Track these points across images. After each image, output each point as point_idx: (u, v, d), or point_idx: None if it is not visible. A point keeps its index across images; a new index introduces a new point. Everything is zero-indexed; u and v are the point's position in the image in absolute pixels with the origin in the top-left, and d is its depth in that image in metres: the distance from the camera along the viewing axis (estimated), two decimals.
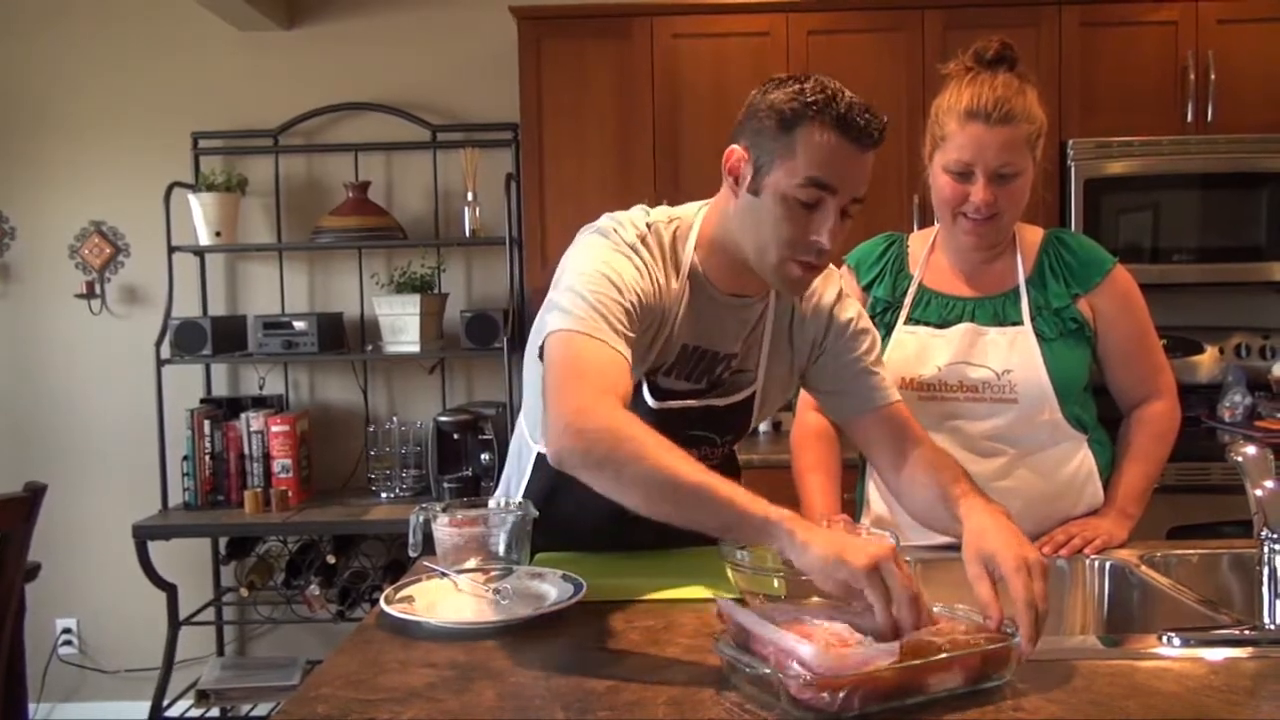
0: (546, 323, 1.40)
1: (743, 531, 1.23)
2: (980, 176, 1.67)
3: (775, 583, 1.30)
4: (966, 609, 1.20)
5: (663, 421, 1.54)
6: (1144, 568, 1.62)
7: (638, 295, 1.42)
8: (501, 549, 1.54)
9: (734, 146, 1.44)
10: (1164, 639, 1.27)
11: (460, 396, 3.74)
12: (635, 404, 1.52)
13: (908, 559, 1.66)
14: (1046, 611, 1.20)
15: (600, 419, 1.27)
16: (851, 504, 1.95)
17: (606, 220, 1.50)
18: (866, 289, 1.86)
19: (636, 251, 1.46)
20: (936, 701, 1.08)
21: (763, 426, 3.41)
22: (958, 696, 1.09)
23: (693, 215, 1.54)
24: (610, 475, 1.26)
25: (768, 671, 1.06)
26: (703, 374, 1.57)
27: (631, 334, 1.40)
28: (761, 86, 1.43)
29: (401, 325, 3.46)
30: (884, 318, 1.79)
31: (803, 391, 1.85)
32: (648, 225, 1.50)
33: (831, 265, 1.62)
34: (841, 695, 1.02)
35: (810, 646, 1.04)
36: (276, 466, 3.43)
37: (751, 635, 1.12)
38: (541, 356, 1.41)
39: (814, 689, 1.02)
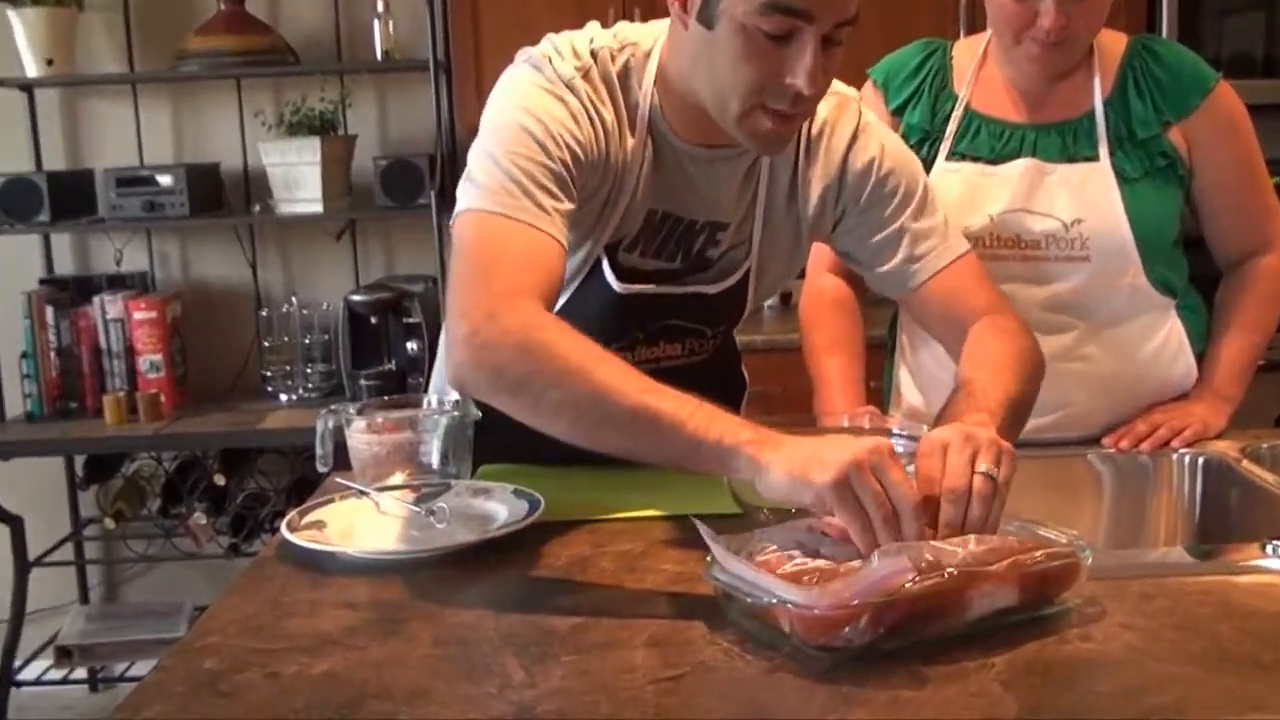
0: (459, 197, 1.41)
1: (698, 463, 1.23)
2: None
3: None
4: (1022, 523, 1.23)
5: (634, 311, 1.56)
6: (1246, 463, 1.66)
7: (573, 150, 1.41)
8: (435, 460, 1.56)
9: None
10: (1269, 549, 1.30)
11: (378, 269, 3.73)
12: (594, 290, 1.54)
13: None
14: (966, 492, 1.17)
15: (512, 328, 1.27)
16: (879, 394, 1.96)
17: (544, 45, 1.48)
18: (897, 114, 1.84)
19: (573, 90, 1.44)
20: (983, 630, 1.10)
21: (768, 300, 3.41)
22: (1010, 625, 1.11)
23: (650, 42, 1.51)
24: (527, 402, 1.27)
25: (774, 600, 1.08)
26: (677, 248, 1.57)
27: (567, 203, 1.39)
28: None
29: (297, 178, 3.42)
30: (920, 151, 1.78)
31: (814, 250, 1.85)
32: (592, 54, 1.48)
33: (848, 91, 1.61)
34: (863, 625, 1.04)
35: (795, 590, 1.06)
36: (143, 364, 3.42)
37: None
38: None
39: (828, 623, 1.05)
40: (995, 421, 1.32)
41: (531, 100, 1.42)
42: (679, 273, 1.58)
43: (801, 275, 1.90)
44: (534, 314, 1.29)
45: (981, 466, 1.19)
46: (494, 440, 1.61)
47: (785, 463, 1.17)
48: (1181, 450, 1.72)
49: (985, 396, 1.38)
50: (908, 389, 1.92)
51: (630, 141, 1.49)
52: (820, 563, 1.14)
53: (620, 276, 1.54)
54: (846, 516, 1.13)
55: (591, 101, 1.45)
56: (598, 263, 1.53)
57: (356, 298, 3.40)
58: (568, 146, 1.40)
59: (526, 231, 1.35)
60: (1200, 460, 1.71)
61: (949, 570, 1.08)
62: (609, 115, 1.47)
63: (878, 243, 1.58)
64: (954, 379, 1.49)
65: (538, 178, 1.37)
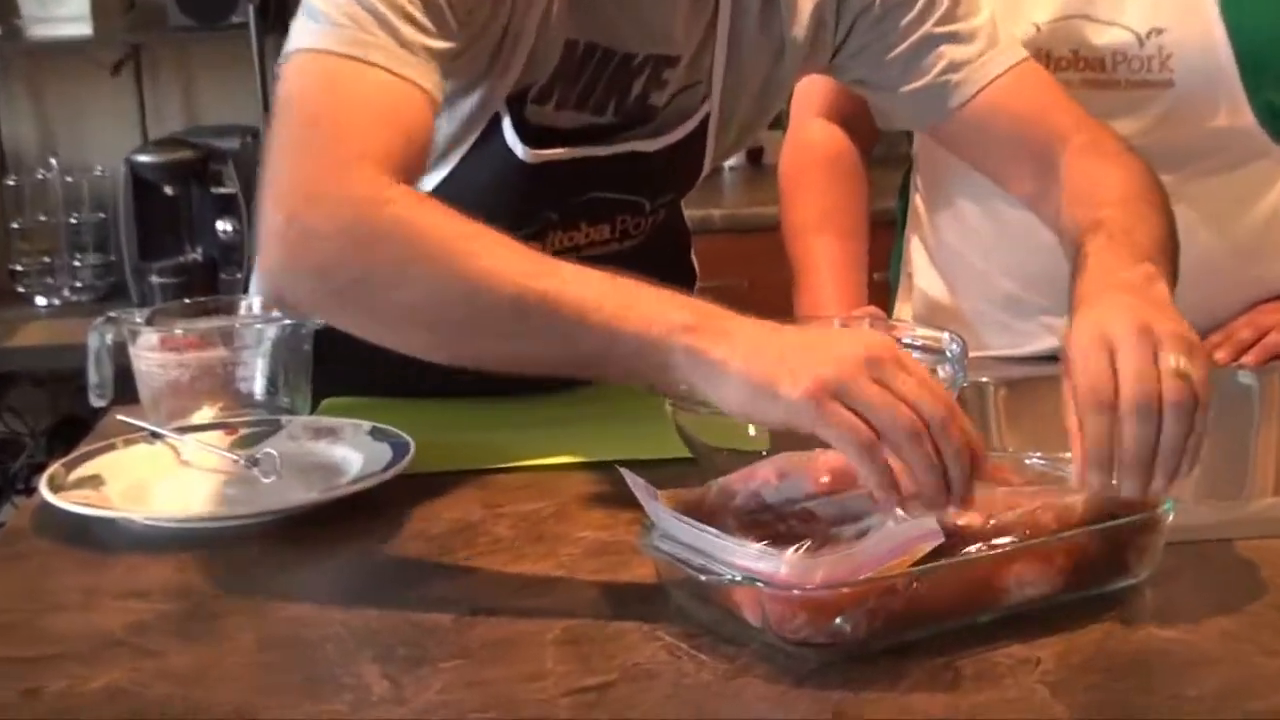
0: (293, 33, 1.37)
1: (614, 366, 1.20)
2: None
3: (751, 429, 1.31)
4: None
5: (546, 184, 1.56)
6: None
7: None
8: (259, 388, 1.57)
9: None
10: None
11: (175, 119, 3.73)
12: (490, 159, 1.54)
13: (984, 379, 1.70)
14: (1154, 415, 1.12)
15: (342, 209, 1.23)
16: (885, 287, 1.97)
17: None
18: None
19: None
20: (1019, 617, 1.11)
21: (730, 159, 3.42)
22: (1061, 605, 1.13)
23: None
24: (363, 311, 1.25)
25: (736, 578, 1.08)
26: (608, 94, 1.56)
27: (442, 41, 1.36)
28: None
29: None
30: None
31: (801, 89, 1.85)
32: None
33: None
34: (862, 612, 1.05)
35: (775, 560, 1.06)
36: None
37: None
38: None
39: (815, 608, 1.05)
40: (1164, 274, 1.31)
41: None
42: (611, 129, 1.58)
43: (777, 125, 1.90)
44: (372, 185, 1.25)
45: (1170, 362, 1.14)
46: (343, 361, 1.61)
47: (742, 362, 1.12)
48: None
49: (1134, 237, 1.36)
50: (922, 272, 1.93)
51: None
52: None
53: (528, 139, 1.52)
54: (838, 440, 1.07)
55: None
56: (495, 121, 1.52)
57: (144, 159, 3.38)
58: None
59: (378, 77, 1.32)
60: None
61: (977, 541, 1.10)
62: None
63: (902, 56, 1.58)
64: (1060, 223, 1.49)
65: (400, 3, 1.34)
